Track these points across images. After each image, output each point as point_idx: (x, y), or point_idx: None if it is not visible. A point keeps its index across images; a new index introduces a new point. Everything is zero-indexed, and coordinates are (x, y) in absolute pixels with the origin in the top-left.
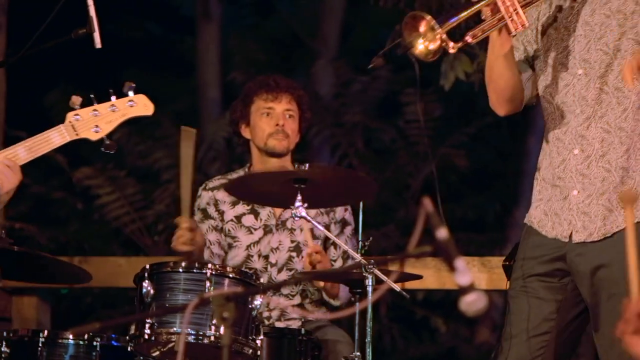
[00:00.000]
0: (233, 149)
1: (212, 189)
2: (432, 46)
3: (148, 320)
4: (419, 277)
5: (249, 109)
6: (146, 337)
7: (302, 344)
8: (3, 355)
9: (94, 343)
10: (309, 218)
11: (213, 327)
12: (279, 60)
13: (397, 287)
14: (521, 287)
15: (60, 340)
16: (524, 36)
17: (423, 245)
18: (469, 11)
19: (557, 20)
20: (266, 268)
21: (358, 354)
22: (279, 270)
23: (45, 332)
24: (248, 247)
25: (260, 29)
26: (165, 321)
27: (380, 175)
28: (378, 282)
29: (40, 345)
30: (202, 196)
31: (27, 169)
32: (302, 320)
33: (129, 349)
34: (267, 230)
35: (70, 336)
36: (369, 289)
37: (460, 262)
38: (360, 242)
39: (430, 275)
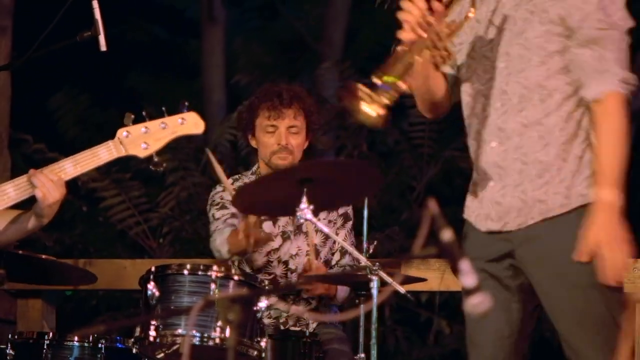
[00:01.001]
0: (238, 151)
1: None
2: (377, 111)
3: (153, 323)
4: (423, 279)
5: (254, 121)
6: (151, 339)
7: (307, 346)
8: (8, 357)
9: (99, 345)
10: (314, 220)
11: (218, 329)
12: (284, 62)
13: (401, 289)
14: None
15: (65, 343)
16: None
17: (428, 247)
18: (403, 66)
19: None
20: (286, 274)
21: (362, 355)
22: (299, 276)
23: (50, 334)
24: (268, 253)
25: (265, 32)
26: (170, 323)
27: (384, 177)
28: (383, 284)
29: (45, 347)
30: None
31: None
32: (316, 324)
33: (134, 351)
34: (285, 236)
35: (75, 338)
36: (374, 291)
37: (465, 263)
38: (365, 245)
39: (434, 278)
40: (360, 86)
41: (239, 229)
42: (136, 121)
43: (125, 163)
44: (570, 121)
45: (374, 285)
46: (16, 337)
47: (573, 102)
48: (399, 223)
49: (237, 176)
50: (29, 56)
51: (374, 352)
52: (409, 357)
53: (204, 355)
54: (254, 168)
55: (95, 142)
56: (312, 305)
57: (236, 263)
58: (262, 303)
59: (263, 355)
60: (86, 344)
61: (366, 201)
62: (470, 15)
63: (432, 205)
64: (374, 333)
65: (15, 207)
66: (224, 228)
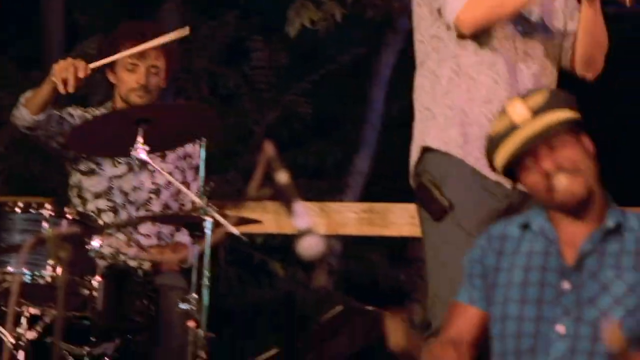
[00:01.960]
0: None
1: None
2: None
3: None
4: (257, 221)
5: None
6: None
7: (139, 286)
8: None
9: None
10: (148, 160)
11: (49, 268)
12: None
13: (235, 230)
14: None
15: None
16: None
17: (263, 189)
18: None
19: None
20: (124, 205)
21: (195, 296)
22: (137, 209)
23: None
24: (111, 179)
25: None
26: (1, 261)
27: (224, 121)
28: (217, 225)
29: None
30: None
31: None
32: (150, 262)
33: None
34: (130, 167)
35: None
36: (208, 232)
37: (299, 206)
38: (201, 187)
39: (269, 220)
40: None
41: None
42: None
43: None
44: None
45: (208, 226)
46: None
47: None
48: (238, 167)
49: (87, 109)
50: None
51: (206, 293)
52: (242, 299)
53: (35, 294)
54: (109, 104)
55: None
56: (147, 243)
57: (75, 192)
58: (95, 242)
59: (94, 293)
60: None
61: (203, 144)
62: None
63: (268, 147)
64: (206, 274)
65: None
66: None
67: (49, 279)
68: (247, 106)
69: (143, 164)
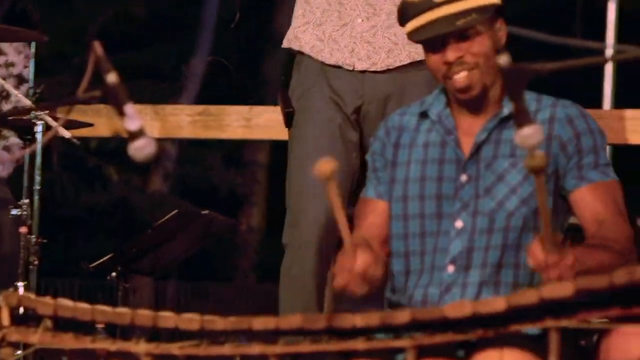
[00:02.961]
0: None
1: None
2: None
3: None
4: (89, 124)
5: None
6: None
7: None
8: None
9: None
10: None
11: None
12: None
13: (67, 133)
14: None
15: None
16: None
17: (92, 90)
18: None
19: None
20: None
21: (26, 201)
22: None
23: None
24: None
25: None
26: None
27: (54, 23)
28: (48, 128)
29: None
30: None
31: None
32: None
33: None
34: None
35: None
36: (38, 135)
37: (130, 107)
38: (31, 90)
39: (102, 123)
40: None
41: None
42: None
43: None
44: None
45: (39, 129)
46: None
47: None
48: (70, 68)
49: None
50: None
51: (36, 198)
52: (75, 204)
53: None
54: None
55: None
56: None
57: None
58: None
59: None
60: None
61: (33, 45)
62: None
63: (97, 48)
64: (37, 179)
65: None
66: None
67: None
68: (76, 6)
69: None
